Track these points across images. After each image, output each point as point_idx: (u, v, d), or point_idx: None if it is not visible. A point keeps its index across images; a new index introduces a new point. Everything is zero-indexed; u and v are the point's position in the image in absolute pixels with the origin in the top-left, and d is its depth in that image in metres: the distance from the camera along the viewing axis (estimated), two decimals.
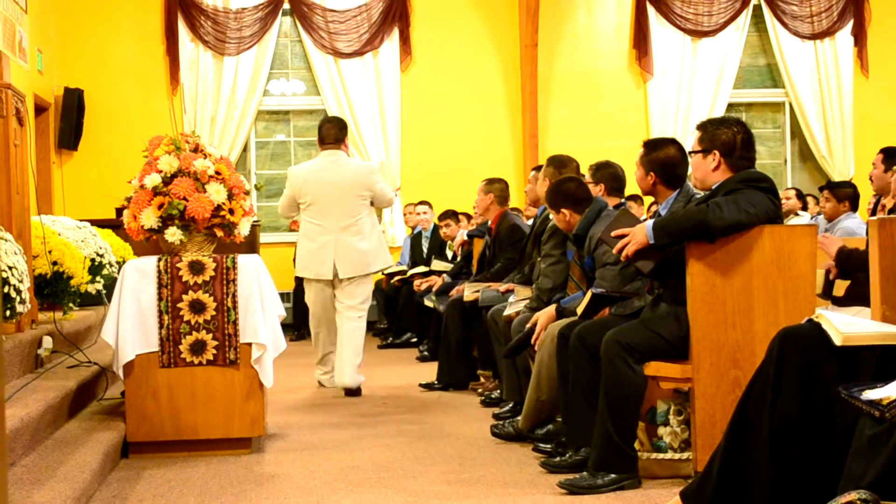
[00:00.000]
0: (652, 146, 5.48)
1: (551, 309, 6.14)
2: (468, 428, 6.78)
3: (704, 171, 5.08)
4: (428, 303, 10.46)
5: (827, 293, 5.47)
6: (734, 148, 5.02)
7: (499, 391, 7.50)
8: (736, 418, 3.93)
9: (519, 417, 6.27)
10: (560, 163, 6.90)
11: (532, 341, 6.12)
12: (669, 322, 5.02)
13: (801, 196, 12.59)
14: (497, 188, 8.64)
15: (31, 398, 5.37)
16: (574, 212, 6.14)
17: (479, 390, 8.09)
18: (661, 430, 5.25)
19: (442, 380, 8.53)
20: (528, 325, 6.24)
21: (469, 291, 8.13)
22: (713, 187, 5.03)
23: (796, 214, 12.06)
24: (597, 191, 6.65)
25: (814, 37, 14.35)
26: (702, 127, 5.16)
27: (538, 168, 7.28)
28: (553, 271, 6.60)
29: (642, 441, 5.23)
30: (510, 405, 6.97)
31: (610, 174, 6.65)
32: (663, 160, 5.39)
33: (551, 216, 6.43)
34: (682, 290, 4.96)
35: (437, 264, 11.46)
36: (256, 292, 6.06)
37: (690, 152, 5.19)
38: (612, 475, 4.99)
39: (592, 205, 6.13)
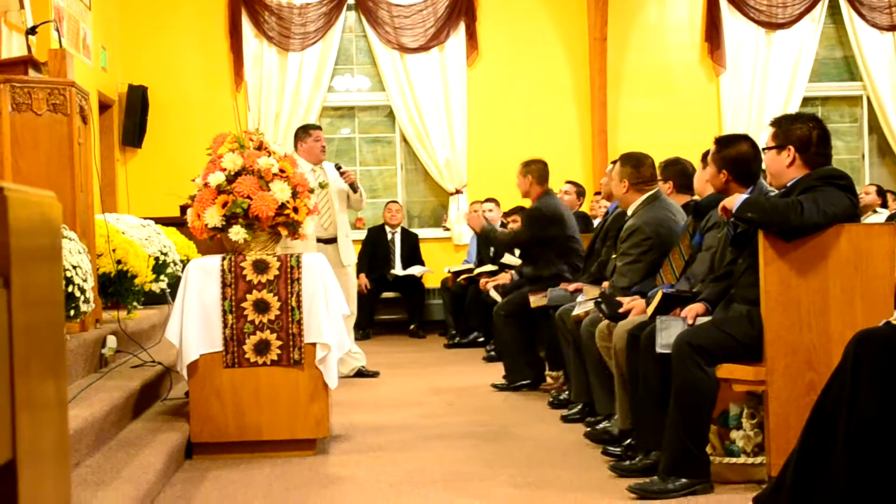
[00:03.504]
0: (724, 143, 5.43)
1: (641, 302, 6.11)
2: (536, 430, 6.77)
3: (779, 168, 5.03)
4: (494, 296, 10.43)
5: None
6: (809, 143, 4.97)
7: (567, 392, 7.47)
8: (811, 423, 3.90)
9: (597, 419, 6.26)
10: (637, 161, 6.79)
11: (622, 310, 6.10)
12: (742, 323, 4.98)
13: (881, 192, 12.44)
14: (535, 169, 8.61)
15: (95, 398, 5.43)
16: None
17: (551, 391, 8.07)
18: (734, 434, 5.21)
19: (510, 379, 8.52)
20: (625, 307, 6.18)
21: (534, 300, 8.13)
22: (788, 184, 4.98)
23: (875, 212, 11.92)
24: (665, 188, 6.61)
25: (892, 28, 14.14)
26: (776, 122, 5.11)
27: (616, 161, 7.22)
28: (630, 270, 6.55)
29: (714, 445, 5.19)
30: (579, 406, 6.95)
31: (678, 171, 6.59)
32: (735, 157, 5.35)
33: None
34: (756, 290, 4.92)
35: (508, 258, 11.39)
36: (321, 291, 6.09)
37: (764, 148, 5.14)
38: (684, 480, 4.96)
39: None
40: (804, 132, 4.98)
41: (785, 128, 5.02)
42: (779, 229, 4.79)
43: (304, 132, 9.16)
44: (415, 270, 13.05)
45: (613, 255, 6.91)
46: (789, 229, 4.78)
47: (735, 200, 4.93)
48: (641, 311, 5.89)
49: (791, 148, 4.96)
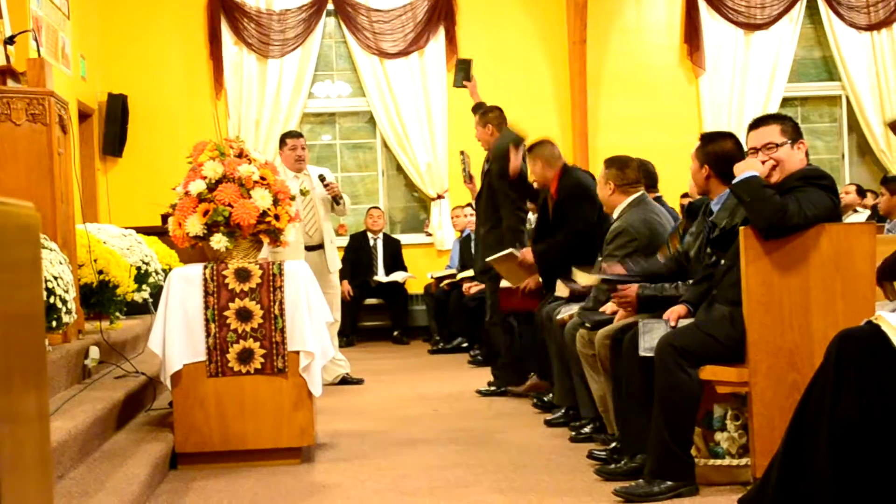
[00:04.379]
0: (708, 139, 5.46)
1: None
2: (521, 435, 6.77)
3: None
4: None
5: None
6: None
7: (551, 395, 7.46)
8: (794, 424, 3.91)
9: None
10: (622, 163, 6.75)
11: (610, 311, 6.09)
12: (724, 324, 4.99)
13: (861, 192, 12.48)
14: (541, 152, 8.09)
15: (78, 410, 5.41)
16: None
17: (531, 393, 8.06)
18: (719, 436, 5.22)
19: (497, 385, 8.51)
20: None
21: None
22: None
23: (855, 211, 11.96)
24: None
25: (870, 28, 14.20)
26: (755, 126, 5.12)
27: None
28: None
29: (699, 447, 5.20)
30: (563, 410, 6.96)
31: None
32: (719, 154, 5.37)
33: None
34: (737, 291, 4.93)
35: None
36: (304, 299, 6.08)
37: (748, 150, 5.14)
38: (669, 482, 4.96)
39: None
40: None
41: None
42: (760, 224, 4.79)
43: (281, 141, 9.20)
44: (397, 277, 13.04)
45: (599, 258, 6.90)
46: (770, 227, 4.78)
47: (745, 170, 4.91)
48: (624, 316, 5.89)
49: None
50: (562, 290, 7.46)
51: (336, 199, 9.08)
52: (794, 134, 5.01)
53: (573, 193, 7.76)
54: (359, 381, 9.30)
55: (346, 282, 12.38)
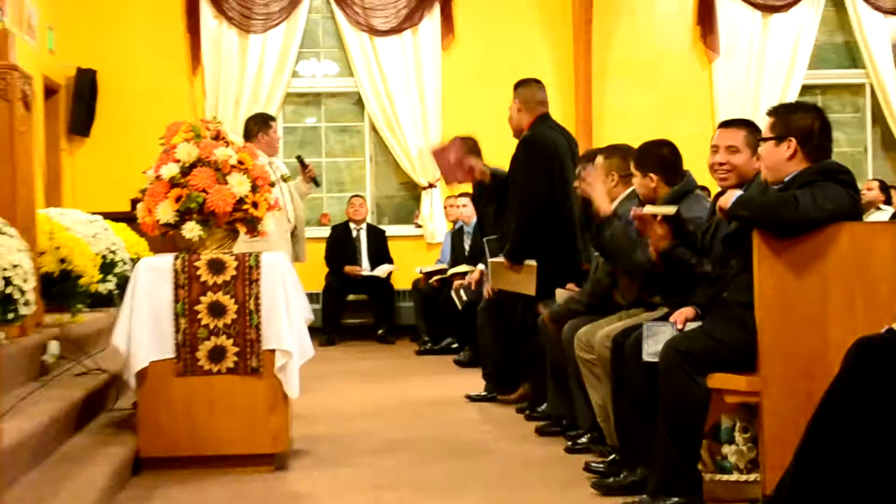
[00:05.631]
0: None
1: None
2: (512, 444, 6.75)
3: (777, 160, 4.98)
4: (457, 300, 10.32)
5: None
6: (812, 135, 4.95)
7: (545, 405, 7.40)
8: (808, 436, 3.89)
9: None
10: (623, 151, 6.70)
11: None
12: (735, 328, 4.96)
13: (884, 188, 12.44)
14: (522, 91, 8.06)
15: (34, 409, 5.39)
16: (663, 181, 5.97)
17: (513, 398, 8.05)
18: (726, 449, 5.19)
19: (489, 389, 8.47)
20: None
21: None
22: (786, 179, 4.96)
23: (878, 208, 11.93)
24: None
25: None
26: (775, 111, 5.08)
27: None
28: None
29: (705, 461, 5.18)
30: (555, 419, 6.93)
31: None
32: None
33: (634, 179, 6.24)
34: (749, 293, 4.90)
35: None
36: (281, 293, 6.05)
37: (761, 139, 5.11)
38: (675, 498, 4.93)
39: (685, 180, 6.00)
40: (807, 123, 4.96)
41: (785, 117, 5.00)
42: (773, 226, 4.77)
43: (264, 123, 9.10)
44: (379, 272, 12.98)
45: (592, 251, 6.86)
46: (783, 225, 4.76)
47: (730, 198, 4.91)
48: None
49: (792, 140, 4.93)
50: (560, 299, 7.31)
51: (315, 182, 9.08)
52: (785, 130, 4.99)
53: (523, 153, 7.81)
54: None
55: None
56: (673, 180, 5.95)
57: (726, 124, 5.49)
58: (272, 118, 9.30)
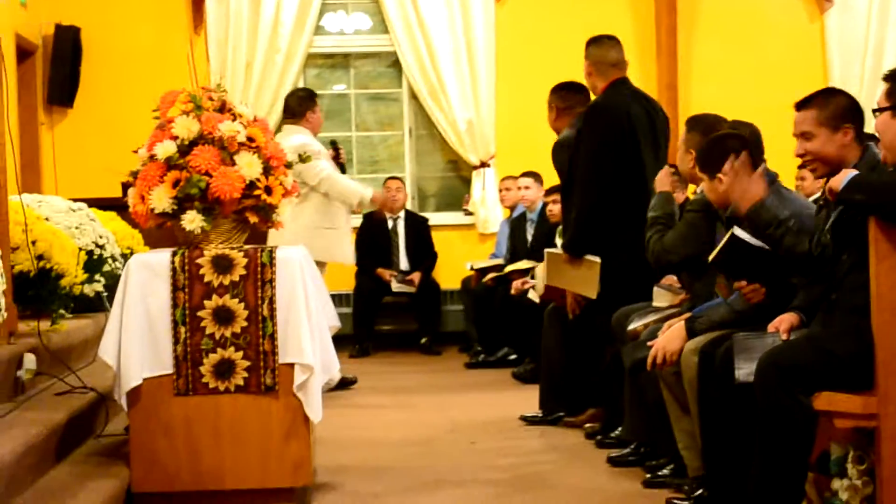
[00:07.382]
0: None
1: (679, 324, 6.02)
2: (579, 476, 6.78)
3: (894, 136, 4.99)
4: (533, 296, 10.26)
5: None
6: None
7: (619, 429, 7.42)
8: None
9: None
10: (708, 125, 6.72)
11: (648, 365, 6.05)
12: (846, 338, 4.96)
13: None
14: (593, 51, 8.16)
15: (7, 435, 5.42)
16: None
17: (581, 419, 8.09)
18: (836, 484, 5.19)
19: (547, 410, 8.49)
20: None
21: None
22: None
23: None
24: None
25: None
26: (892, 77, 5.08)
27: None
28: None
29: (811, 498, 5.19)
30: (632, 447, 6.94)
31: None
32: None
33: (702, 185, 6.28)
34: (865, 295, 4.90)
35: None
36: (301, 296, 6.06)
37: (876, 110, 5.11)
38: None
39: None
40: None
41: None
42: (893, 213, 4.77)
43: (310, 99, 9.25)
44: (403, 286, 12.95)
45: None
46: None
47: (842, 179, 4.90)
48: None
49: None
50: (660, 299, 7.21)
51: (342, 168, 9.19)
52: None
53: (587, 125, 7.79)
54: (352, 382, 9.34)
55: None
56: None
57: (797, 106, 5.39)
58: (315, 93, 9.43)
